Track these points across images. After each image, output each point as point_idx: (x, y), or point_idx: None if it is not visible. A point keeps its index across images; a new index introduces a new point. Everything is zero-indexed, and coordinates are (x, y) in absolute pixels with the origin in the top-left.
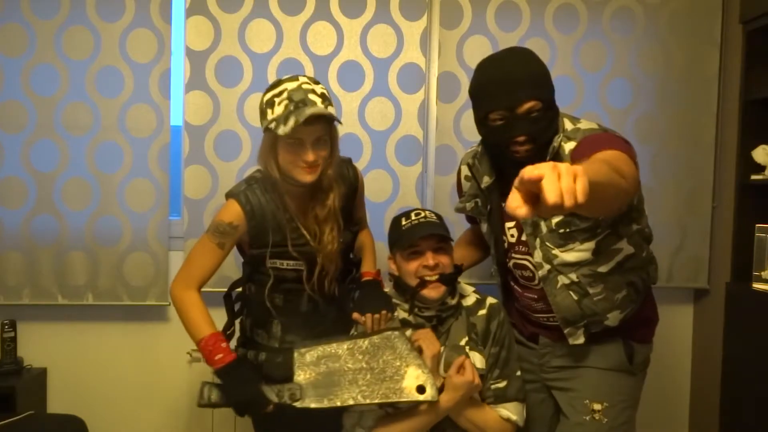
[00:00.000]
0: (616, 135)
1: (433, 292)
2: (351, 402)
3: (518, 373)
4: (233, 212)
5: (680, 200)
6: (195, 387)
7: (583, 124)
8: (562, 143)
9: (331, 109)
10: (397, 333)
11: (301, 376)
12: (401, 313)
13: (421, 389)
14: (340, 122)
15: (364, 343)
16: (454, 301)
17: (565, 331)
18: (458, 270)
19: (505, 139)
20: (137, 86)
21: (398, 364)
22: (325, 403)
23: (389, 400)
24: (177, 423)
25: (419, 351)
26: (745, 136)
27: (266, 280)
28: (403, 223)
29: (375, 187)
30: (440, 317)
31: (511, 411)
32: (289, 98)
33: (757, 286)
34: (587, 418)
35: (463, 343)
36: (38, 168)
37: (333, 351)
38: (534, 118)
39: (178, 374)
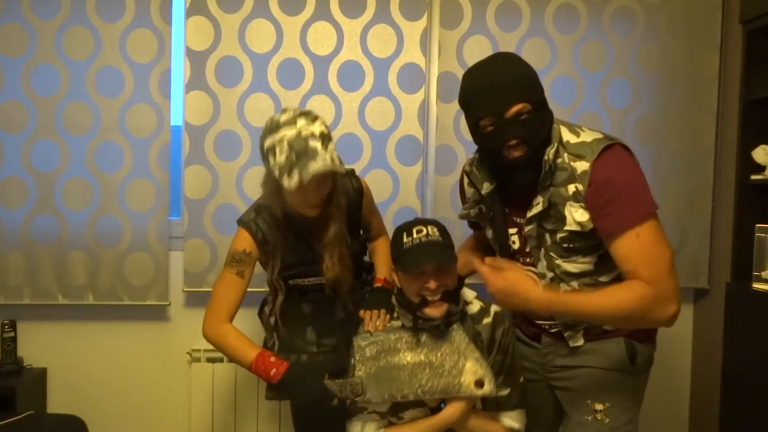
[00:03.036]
0: (633, 164)
1: (435, 311)
2: (411, 397)
3: (521, 379)
4: (245, 240)
5: (680, 200)
6: (195, 387)
7: (587, 135)
8: (571, 162)
9: (331, 148)
10: (454, 326)
11: (361, 370)
12: (405, 321)
13: (479, 384)
14: (344, 171)
15: (422, 336)
16: (458, 308)
17: (566, 335)
18: (461, 283)
19: (497, 144)
20: (137, 86)
21: (456, 357)
22: (386, 398)
23: (449, 396)
24: (177, 423)
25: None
26: (745, 136)
27: (292, 294)
28: (405, 240)
29: (375, 187)
30: (447, 323)
31: (514, 419)
32: (290, 147)
33: (757, 286)
34: (589, 418)
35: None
36: (38, 168)
37: (392, 345)
38: (524, 121)
39: (178, 374)
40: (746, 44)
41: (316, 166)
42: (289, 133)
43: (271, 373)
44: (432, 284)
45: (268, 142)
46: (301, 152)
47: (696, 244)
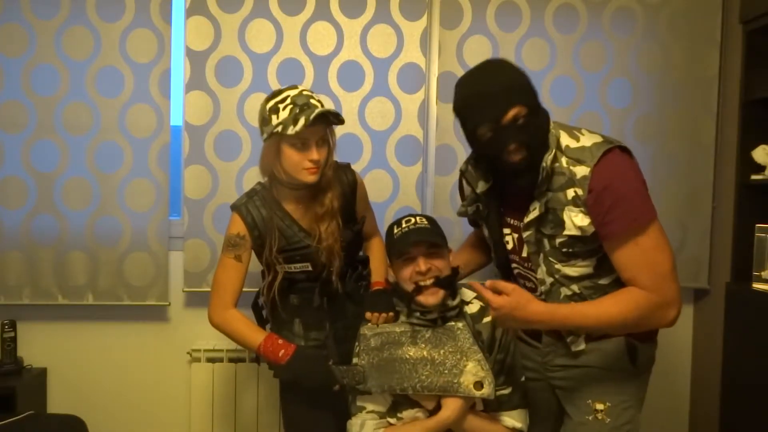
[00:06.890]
0: (632, 169)
1: (430, 298)
2: (410, 391)
3: (522, 379)
4: (238, 224)
5: (680, 200)
6: (195, 387)
7: (586, 139)
8: (570, 166)
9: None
10: (460, 325)
11: (364, 359)
12: (402, 316)
13: (478, 385)
14: (342, 122)
15: (427, 332)
16: (455, 302)
17: (567, 340)
18: (455, 272)
19: (497, 150)
20: (137, 86)
21: (458, 357)
22: (386, 389)
23: (446, 394)
24: (177, 423)
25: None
26: (745, 136)
27: (281, 283)
28: (395, 231)
29: (375, 188)
30: (444, 317)
31: (516, 419)
32: (293, 102)
33: (757, 286)
34: (590, 418)
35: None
36: (38, 168)
37: (397, 338)
38: (521, 125)
39: (178, 374)
40: (746, 44)
41: (321, 109)
42: (292, 93)
43: (279, 354)
44: (421, 266)
45: (270, 104)
46: (304, 105)
47: (696, 244)
